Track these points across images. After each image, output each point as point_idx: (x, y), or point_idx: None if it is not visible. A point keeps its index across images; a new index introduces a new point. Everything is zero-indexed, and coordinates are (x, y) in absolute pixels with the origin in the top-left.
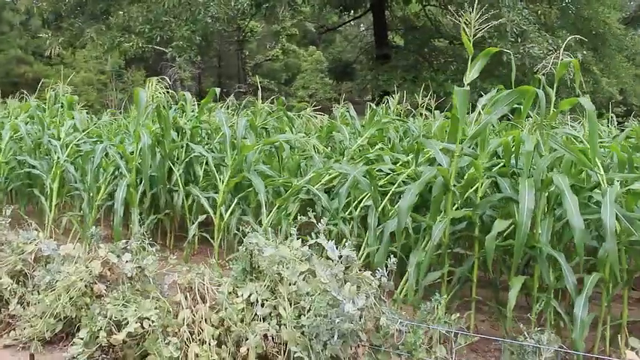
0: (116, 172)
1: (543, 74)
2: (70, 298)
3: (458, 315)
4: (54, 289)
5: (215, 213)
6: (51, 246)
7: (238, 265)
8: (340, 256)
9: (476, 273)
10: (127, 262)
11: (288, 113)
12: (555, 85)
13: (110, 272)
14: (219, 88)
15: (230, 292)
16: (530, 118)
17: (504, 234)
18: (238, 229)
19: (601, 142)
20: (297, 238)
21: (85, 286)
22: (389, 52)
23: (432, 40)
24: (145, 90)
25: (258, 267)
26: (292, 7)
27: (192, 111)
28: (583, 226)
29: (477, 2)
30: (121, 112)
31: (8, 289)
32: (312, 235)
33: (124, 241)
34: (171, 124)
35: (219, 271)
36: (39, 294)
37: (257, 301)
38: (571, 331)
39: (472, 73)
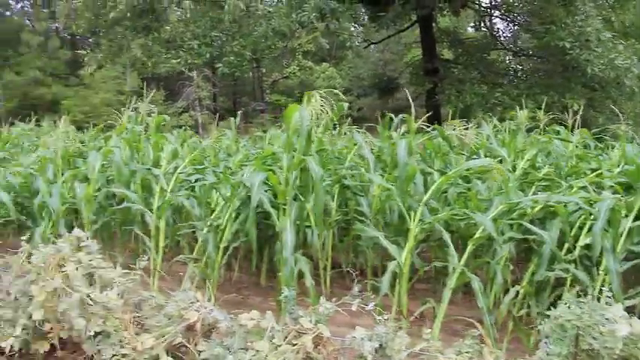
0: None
1: None
2: None
3: None
4: None
5: (402, 262)
6: (224, 315)
7: (559, 347)
8: None
9: None
10: (362, 338)
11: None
12: None
13: (324, 349)
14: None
15: None
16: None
17: None
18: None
19: None
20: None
21: None
22: (438, 66)
23: (488, 52)
24: (302, 107)
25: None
26: (355, 21)
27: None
28: None
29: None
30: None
31: None
32: None
33: (329, 304)
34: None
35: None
36: None
37: None
38: None
39: None
